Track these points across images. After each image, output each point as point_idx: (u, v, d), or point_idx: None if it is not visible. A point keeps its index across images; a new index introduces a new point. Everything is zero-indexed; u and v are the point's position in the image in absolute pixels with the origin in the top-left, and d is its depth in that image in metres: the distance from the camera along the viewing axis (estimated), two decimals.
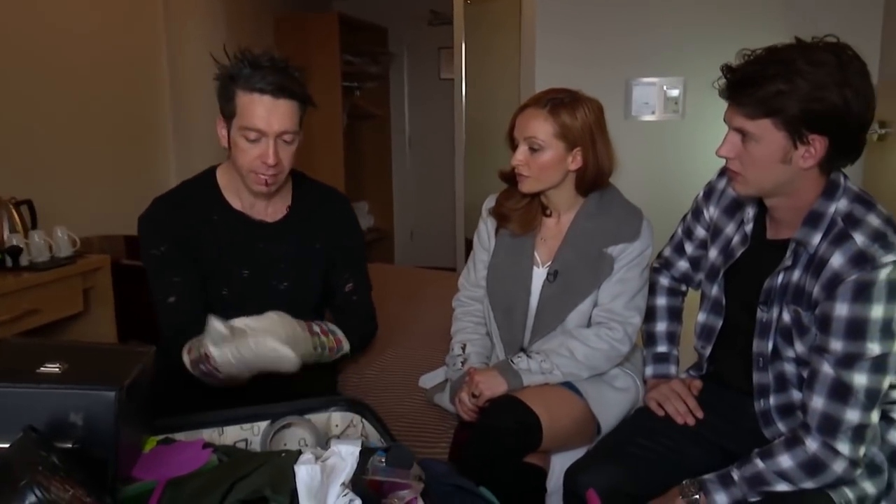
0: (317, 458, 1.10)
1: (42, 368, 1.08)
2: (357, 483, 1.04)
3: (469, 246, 4.00)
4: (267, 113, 1.59)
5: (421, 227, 6.14)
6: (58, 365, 1.09)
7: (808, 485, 1.37)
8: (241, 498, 1.06)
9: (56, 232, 2.69)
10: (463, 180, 4.16)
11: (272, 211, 1.79)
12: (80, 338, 2.72)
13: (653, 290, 1.83)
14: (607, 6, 3.26)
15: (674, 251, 1.81)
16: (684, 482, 1.48)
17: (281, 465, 1.13)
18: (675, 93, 3.27)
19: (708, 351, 1.66)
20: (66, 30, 3.10)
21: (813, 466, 1.35)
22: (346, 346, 1.77)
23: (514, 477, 1.57)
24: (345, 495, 1.03)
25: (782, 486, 1.38)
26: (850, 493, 1.37)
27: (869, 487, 1.39)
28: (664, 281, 1.84)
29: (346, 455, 1.09)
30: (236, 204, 1.76)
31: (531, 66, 3.37)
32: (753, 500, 1.41)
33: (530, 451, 1.61)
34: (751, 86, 1.34)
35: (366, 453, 1.08)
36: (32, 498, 0.86)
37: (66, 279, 2.64)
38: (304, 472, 1.04)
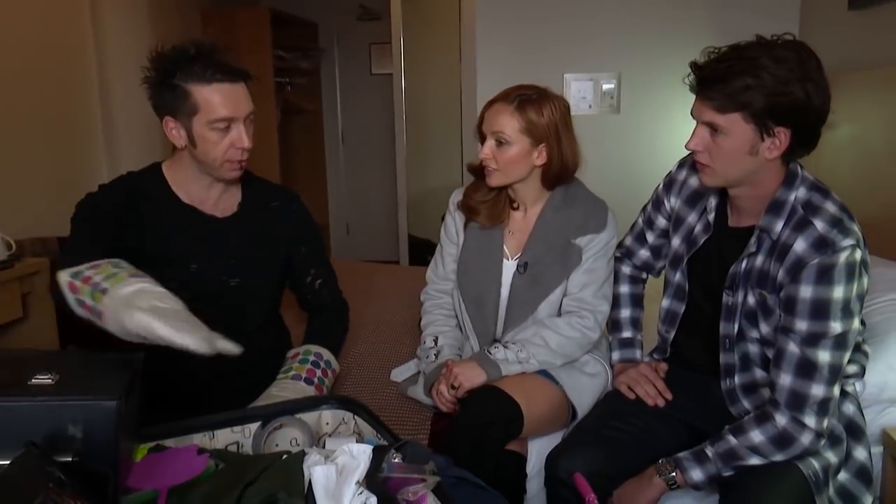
0: (326, 459, 1.08)
1: (34, 380, 1.01)
2: (373, 482, 1.02)
3: (412, 241, 3.98)
4: (232, 99, 1.56)
5: (356, 221, 6.08)
6: (49, 376, 1.02)
7: (779, 457, 1.42)
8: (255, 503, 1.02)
9: None
10: (405, 175, 4.13)
11: (222, 206, 1.73)
12: (22, 344, 2.57)
13: (615, 278, 1.86)
14: (543, 3, 3.30)
15: (635, 240, 1.85)
16: (660, 461, 1.52)
17: (288, 467, 1.10)
18: (610, 87, 3.34)
19: (672, 335, 1.71)
20: None
21: (783, 440, 1.41)
22: (335, 364, 1.76)
23: (497, 465, 1.57)
24: (360, 494, 1.02)
25: (754, 460, 1.44)
26: (815, 463, 1.43)
27: (831, 457, 1.46)
28: (626, 269, 1.88)
29: (357, 454, 1.07)
30: (185, 199, 1.69)
31: (472, 63, 3.37)
32: (727, 474, 1.46)
33: (512, 439, 1.62)
34: (719, 81, 1.38)
35: (379, 451, 1.06)
36: None
37: (2, 284, 2.47)
38: (320, 474, 1.02)
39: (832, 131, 2.55)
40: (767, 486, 1.41)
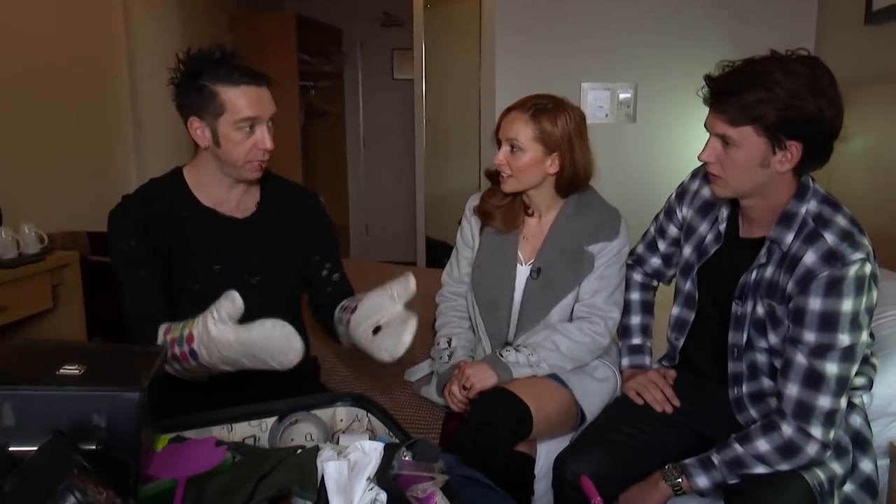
0: (339, 454, 1.10)
1: (61, 371, 1.03)
2: (382, 478, 1.04)
3: (429, 243, 3.99)
4: (257, 101, 1.59)
5: (376, 222, 6.11)
6: (76, 367, 1.05)
7: (784, 467, 1.42)
8: (268, 496, 1.04)
9: (23, 229, 2.58)
10: (424, 179, 4.15)
11: (242, 207, 1.75)
12: (51, 334, 2.63)
13: (626, 285, 1.87)
14: (563, 14, 3.31)
15: (647, 248, 1.86)
16: (667, 466, 1.52)
17: (302, 461, 1.12)
18: (626, 96, 3.34)
19: (681, 342, 1.71)
20: (27, 30, 2.97)
21: (788, 450, 1.41)
22: None
23: (506, 466, 1.58)
24: (371, 489, 1.03)
25: (760, 469, 1.44)
26: (821, 473, 1.43)
27: (837, 468, 1.46)
28: (637, 276, 1.89)
29: (369, 451, 1.09)
30: (206, 201, 1.72)
31: (491, 70, 3.38)
32: (732, 482, 1.47)
33: (522, 440, 1.63)
34: (733, 94, 1.39)
35: (390, 448, 1.08)
36: (72, 500, 0.83)
37: (34, 276, 2.54)
38: (333, 469, 1.04)
39: (845, 144, 2.54)
40: (772, 494, 1.41)
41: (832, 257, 1.37)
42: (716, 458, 1.47)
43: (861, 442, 1.52)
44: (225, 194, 1.72)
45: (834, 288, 1.36)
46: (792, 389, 1.41)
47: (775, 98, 1.34)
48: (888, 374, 1.61)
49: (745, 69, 1.40)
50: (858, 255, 1.36)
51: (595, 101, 3.36)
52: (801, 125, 1.36)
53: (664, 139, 3.29)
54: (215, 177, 1.69)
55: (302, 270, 1.84)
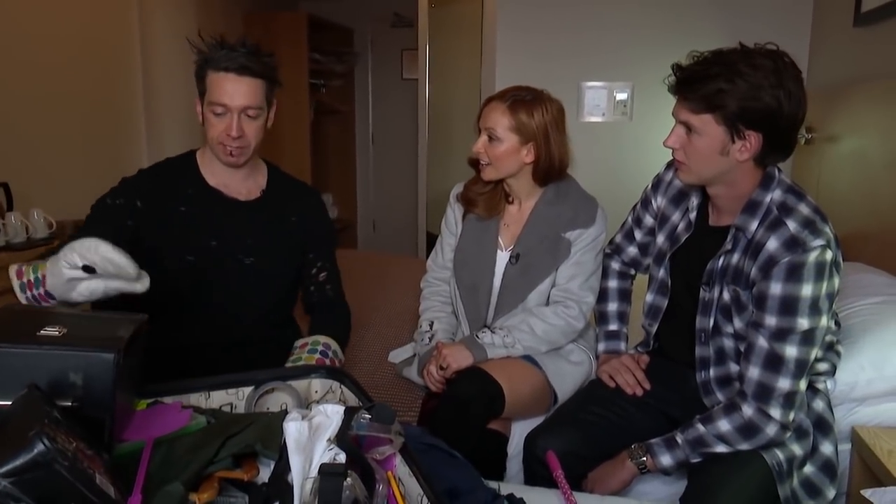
0: (303, 417, 1.13)
1: (43, 331, 1.08)
2: (342, 439, 1.07)
3: (430, 238, 4.03)
4: (230, 90, 1.64)
5: (382, 218, 6.16)
6: (57, 328, 1.09)
7: (744, 446, 1.45)
8: (233, 452, 1.08)
9: (32, 214, 2.65)
10: (425, 177, 4.19)
11: (245, 192, 1.80)
12: None
13: (605, 273, 1.89)
14: (562, 16, 3.34)
15: (624, 238, 1.88)
16: (633, 446, 1.55)
17: (269, 423, 1.15)
18: (623, 96, 3.36)
19: (654, 328, 1.74)
20: (43, 22, 3.03)
21: (748, 430, 1.43)
22: (341, 354, 1.76)
23: (478, 442, 1.62)
24: (330, 450, 1.07)
25: (721, 448, 1.46)
26: (780, 454, 1.45)
27: (797, 449, 1.47)
28: (615, 265, 1.91)
29: (331, 413, 1.12)
30: (212, 181, 1.78)
31: (492, 69, 3.42)
32: (695, 460, 1.49)
33: (494, 418, 1.66)
34: (696, 83, 1.42)
35: (350, 412, 1.11)
36: (41, 447, 0.87)
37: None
38: (293, 428, 1.06)
39: (834, 143, 2.55)
40: (731, 472, 1.43)
41: (793, 244, 1.39)
42: (679, 438, 1.50)
43: (823, 425, 1.53)
44: (226, 176, 1.78)
45: (794, 273, 1.38)
46: (753, 372, 1.43)
47: (736, 89, 1.37)
48: (851, 362, 1.62)
49: (712, 59, 1.43)
50: (819, 242, 1.38)
51: (592, 100, 3.38)
52: (759, 116, 1.38)
53: (659, 138, 3.26)
54: (213, 157, 1.76)
55: (296, 262, 1.88)
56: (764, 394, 1.42)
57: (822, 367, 1.57)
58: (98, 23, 3.41)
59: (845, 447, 1.61)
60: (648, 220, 1.79)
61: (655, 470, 1.53)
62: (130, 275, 1.27)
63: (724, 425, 1.46)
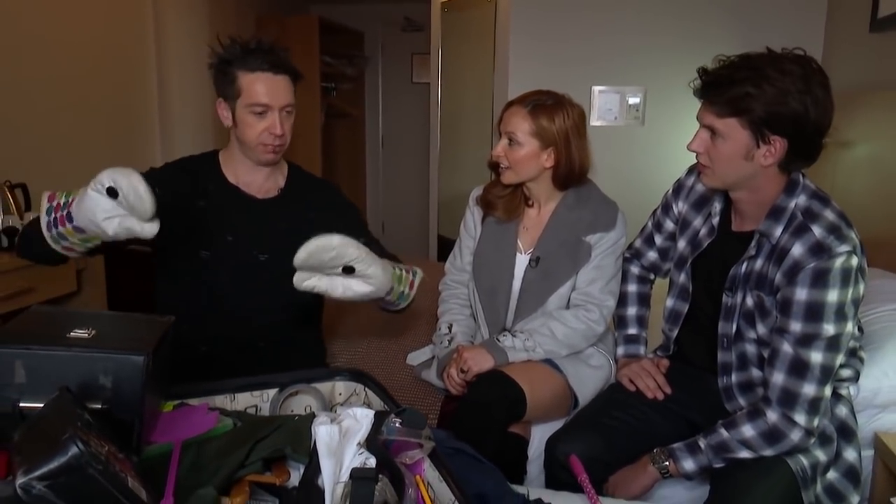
0: (332, 421, 1.12)
1: (72, 333, 1.07)
2: (372, 443, 1.06)
3: (441, 241, 4.01)
4: (270, 89, 1.64)
5: (392, 220, 6.15)
6: (86, 331, 1.08)
7: (768, 452, 1.43)
8: (263, 456, 1.07)
9: None
10: (437, 180, 4.17)
11: (264, 190, 1.80)
12: None
13: (624, 277, 1.88)
14: (575, 20, 3.32)
15: (644, 242, 1.86)
16: (655, 450, 1.53)
17: (298, 427, 1.14)
18: (635, 101, 3.34)
19: (675, 333, 1.72)
20: (60, 27, 3.03)
21: (772, 435, 1.41)
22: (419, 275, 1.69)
23: (499, 445, 1.60)
24: (360, 454, 1.05)
25: (744, 454, 1.44)
26: (804, 460, 1.43)
27: (821, 455, 1.45)
28: (634, 269, 1.89)
29: (360, 417, 1.11)
30: (232, 179, 1.79)
31: (505, 73, 3.40)
32: (717, 465, 1.47)
33: (515, 422, 1.65)
34: (722, 86, 1.40)
35: (380, 416, 1.10)
36: (75, 450, 0.85)
37: None
38: (324, 432, 1.05)
39: (849, 149, 2.53)
40: (756, 478, 1.41)
41: (819, 249, 1.37)
42: (702, 443, 1.48)
43: (846, 432, 1.51)
44: (249, 175, 1.78)
45: (820, 279, 1.36)
46: (777, 377, 1.42)
47: (763, 94, 1.35)
48: (875, 368, 1.60)
49: (739, 63, 1.41)
50: (845, 248, 1.36)
51: (604, 105, 3.37)
52: (785, 122, 1.36)
53: (671, 143, 3.27)
54: (240, 158, 1.76)
55: None
56: (789, 400, 1.40)
57: (846, 373, 1.55)
58: (113, 28, 3.41)
59: (868, 453, 1.59)
60: (669, 225, 1.77)
61: (678, 475, 1.51)
62: (147, 212, 1.26)
63: (748, 430, 1.44)
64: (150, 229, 1.29)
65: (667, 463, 1.50)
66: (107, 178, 1.25)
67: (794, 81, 1.35)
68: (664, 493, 1.62)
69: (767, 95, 1.35)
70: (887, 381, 1.60)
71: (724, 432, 1.46)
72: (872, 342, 1.65)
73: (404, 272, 1.65)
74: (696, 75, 1.46)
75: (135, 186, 1.24)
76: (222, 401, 1.32)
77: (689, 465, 1.48)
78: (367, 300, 1.50)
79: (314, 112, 4.96)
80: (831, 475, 1.48)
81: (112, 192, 1.26)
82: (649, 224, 1.85)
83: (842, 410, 1.53)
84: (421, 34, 5.63)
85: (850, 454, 1.50)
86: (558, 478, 1.56)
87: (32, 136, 2.87)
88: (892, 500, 1.26)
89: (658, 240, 1.81)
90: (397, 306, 1.70)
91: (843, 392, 1.56)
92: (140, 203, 1.24)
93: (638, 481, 1.53)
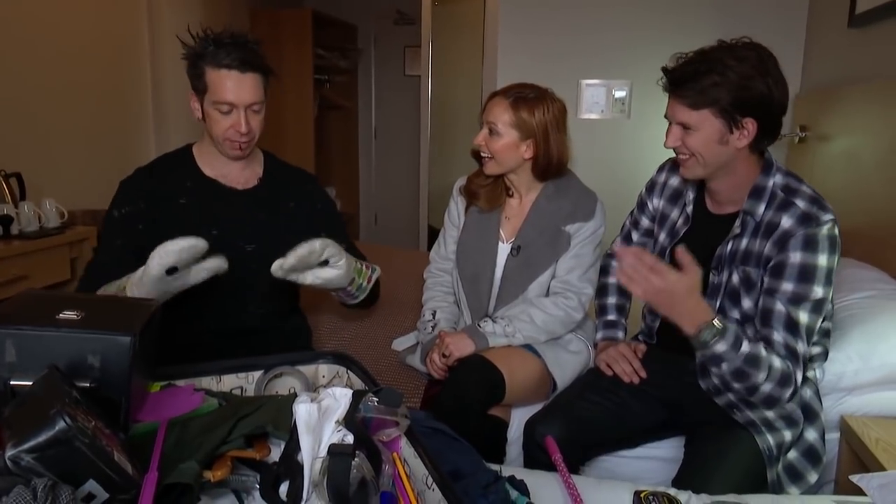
0: (312, 400, 1.15)
1: (61, 315, 1.10)
2: (350, 421, 1.09)
3: (431, 232, 4.04)
4: (236, 87, 1.62)
5: (384, 211, 6.18)
6: (76, 312, 1.11)
7: (774, 392, 1.40)
8: (245, 433, 1.10)
9: (45, 204, 2.67)
10: (427, 171, 4.20)
11: (243, 180, 1.80)
12: None
13: (605, 270, 1.92)
14: (563, 14, 3.33)
15: (623, 241, 1.90)
16: (716, 319, 1.40)
17: (280, 406, 1.18)
18: (621, 94, 3.37)
19: (657, 323, 1.75)
20: (54, 15, 3.04)
21: (784, 380, 1.40)
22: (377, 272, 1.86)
23: (479, 427, 1.63)
24: (338, 431, 1.09)
25: (759, 380, 1.39)
26: (771, 439, 1.47)
27: (787, 435, 1.50)
28: (615, 263, 1.92)
29: (339, 396, 1.14)
30: (209, 172, 1.78)
31: (493, 66, 3.43)
32: (729, 374, 1.41)
33: (494, 405, 1.68)
34: (689, 81, 1.45)
35: (358, 395, 1.13)
36: (62, 424, 0.89)
37: (54, 248, 2.61)
38: (304, 410, 1.09)
39: (827, 143, 2.56)
40: (724, 452, 1.45)
41: (807, 218, 1.42)
42: (745, 345, 1.39)
43: (809, 413, 1.55)
44: (225, 167, 1.78)
45: (811, 244, 1.41)
46: (778, 336, 1.43)
47: (728, 80, 1.41)
48: (840, 353, 1.64)
49: (698, 58, 1.46)
50: (829, 217, 1.42)
51: (591, 98, 3.39)
52: (753, 103, 1.42)
53: (656, 135, 3.29)
54: (212, 150, 1.76)
55: None
56: (791, 355, 1.42)
57: (816, 350, 1.58)
58: (107, 16, 3.41)
59: (834, 436, 1.63)
60: (645, 223, 1.81)
61: (710, 340, 1.39)
62: (201, 248, 1.49)
63: (776, 362, 1.41)
64: (221, 260, 1.56)
65: (720, 325, 1.39)
66: (157, 266, 1.46)
67: (752, 66, 1.42)
68: (639, 471, 1.66)
69: (732, 82, 1.41)
70: (852, 366, 1.63)
71: (762, 350, 1.41)
72: (840, 328, 1.68)
73: (364, 267, 1.80)
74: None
75: (174, 249, 1.47)
76: (209, 382, 1.35)
77: (720, 347, 1.39)
78: (330, 287, 1.70)
79: (307, 104, 4.96)
80: (791, 455, 1.52)
81: (171, 271, 1.48)
82: (627, 223, 1.90)
83: (806, 392, 1.56)
84: (413, 27, 5.63)
85: (810, 434, 1.53)
86: (536, 458, 1.60)
87: (27, 126, 2.88)
88: (849, 477, 1.30)
89: (636, 237, 1.85)
90: (356, 298, 1.82)
91: (810, 374, 1.59)
92: (193, 249, 1.48)
93: (688, 313, 1.40)
